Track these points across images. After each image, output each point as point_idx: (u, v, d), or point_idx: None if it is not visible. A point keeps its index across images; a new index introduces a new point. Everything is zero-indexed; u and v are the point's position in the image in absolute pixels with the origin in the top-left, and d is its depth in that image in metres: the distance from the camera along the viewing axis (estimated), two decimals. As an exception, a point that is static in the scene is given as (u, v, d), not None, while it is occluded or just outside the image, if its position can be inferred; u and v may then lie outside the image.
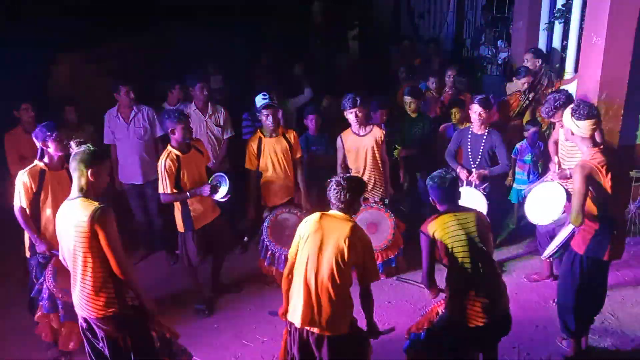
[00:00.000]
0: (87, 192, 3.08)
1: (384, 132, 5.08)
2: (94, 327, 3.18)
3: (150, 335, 3.34)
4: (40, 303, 4.03)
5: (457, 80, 6.48)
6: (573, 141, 3.66)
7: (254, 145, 4.92)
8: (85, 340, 3.30)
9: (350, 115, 4.91)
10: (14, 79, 6.01)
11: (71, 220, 3.02)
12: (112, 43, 7.50)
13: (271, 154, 4.90)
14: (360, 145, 4.98)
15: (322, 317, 3.13)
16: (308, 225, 3.22)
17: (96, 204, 3.02)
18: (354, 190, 3.17)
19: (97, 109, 5.68)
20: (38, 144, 4.03)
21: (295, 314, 3.19)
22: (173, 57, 7.66)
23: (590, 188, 3.48)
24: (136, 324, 3.24)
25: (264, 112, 4.81)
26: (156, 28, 8.04)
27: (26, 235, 4.15)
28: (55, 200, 4.01)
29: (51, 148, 4.01)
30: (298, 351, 3.26)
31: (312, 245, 3.14)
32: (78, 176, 3.07)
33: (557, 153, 4.64)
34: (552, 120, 4.48)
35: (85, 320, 3.20)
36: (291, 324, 3.27)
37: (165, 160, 4.35)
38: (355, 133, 5.01)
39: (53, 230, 3.97)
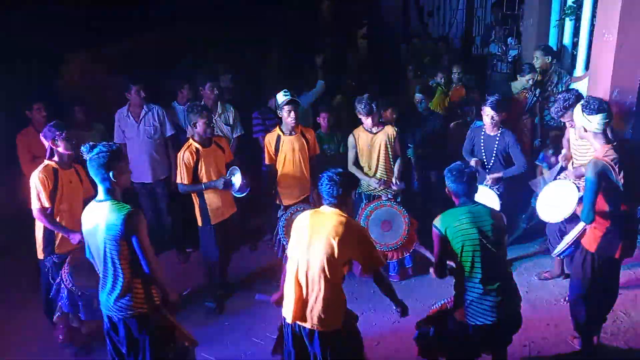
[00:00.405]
0: (115, 193, 3.10)
1: (396, 129, 5.07)
2: (118, 326, 3.21)
3: (168, 342, 3.35)
4: (60, 303, 4.04)
5: (466, 78, 6.50)
6: (586, 138, 3.63)
7: (272, 142, 4.94)
8: (107, 339, 3.32)
9: (367, 121, 4.93)
10: (23, 79, 6.05)
11: (102, 222, 3.02)
12: (121, 42, 7.53)
13: (288, 152, 4.91)
14: (372, 143, 4.99)
15: (313, 313, 3.13)
16: (300, 222, 3.22)
17: (127, 207, 3.05)
18: (347, 185, 3.13)
19: (107, 108, 5.72)
20: (47, 144, 4.04)
21: (288, 310, 3.21)
22: (182, 56, 7.68)
23: (603, 185, 3.45)
24: (157, 328, 3.26)
25: (286, 108, 4.80)
26: (165, 27, 8.06)
27: (38, 236, 4.13)
28: (69, 198, 4.06)
29: (60, 147, 4.02)
30: (292, 345, 3.28)
31: (303, 242, 3.13)
32: (101, 180, 3.08)
33: (569, 150, 4.62)
34: (562, 120, 4.45)
35: (110, 319, 3.22)
36: (284, 318, 3.29)
37: (185, 152, 4.43)
38: (367, 130, 5.01)
39: (69, 227, 4.03)
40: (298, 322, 3.19)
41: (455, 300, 3.35)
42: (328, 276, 3.08)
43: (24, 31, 6.24)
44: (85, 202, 4.10)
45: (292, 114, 4.80)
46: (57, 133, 3.98)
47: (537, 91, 5.78)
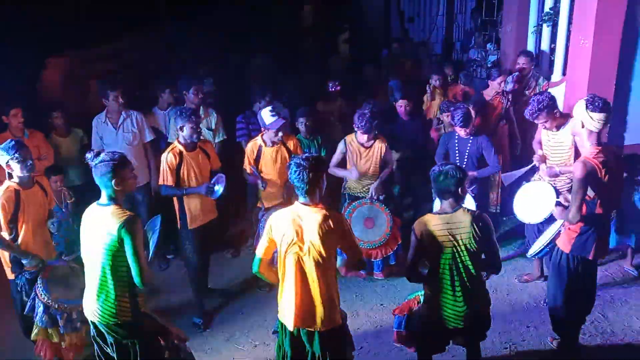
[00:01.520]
0: (117, 199, 3.12)
1: (385, 141, 5.09)
2: (104, 332, 3.21)
3: (159, 343, 3.36)
4: (35, 320, 3.92)
5: (463, 74, 6.63)
6: (579, 135, 3.63)
7: (253, 152, 4.90)
8: (95, 345, 3.33)
9: (362, 136, 4.95)
10: (3, 83, 5.96)
11: (101, 228, 3.05)
12: (102, 46, 7.47)
13: (269, 162, 4.88)
14: (364, 156, 5.03)
15: (313, 315, 3.13)
16: (280, 224, 3.12)
17: (127, 213, 3.07)
18: (315, 168, 3.06)
19: (88, 113, 5.64)
20: (4, 165, 3.82)
21: (287, 317, 3.18)
22: (164, 60, 7.64)
23: (588, 186, 3.50)
24: (146, 331, 3.27)
25: (277, 125, 4.75)
26: (147, 31, 8.02)
27: (5, 256, 3.99)
28: (33, 217, 3.93)
29: (15, 170, 3.81)
30: (290, 345, 3.26)
31: (292, 245, 3.07)
32: (104, 187, 3.11)
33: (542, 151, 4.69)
34: (537, 121, 4.49)
35: (95, 325, 3.22)
36: (282, 324, 3.26)
37: (168, 154, 4.42)
38: (360, 143, 5.02)
39: (34, 248, 3.94)
40: (299, 327, 3.18)
41: (425, 300, 3.41)
42: (323, 275, 3.08)
43: (3, 35, 6.16)
44: (50, 212, 4.13)
45: (280, 133, 4.79)
46: (9, 157, 3.75)
47: (510, 96, 5.82)
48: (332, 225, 3.03)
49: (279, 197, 4.98)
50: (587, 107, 3.49)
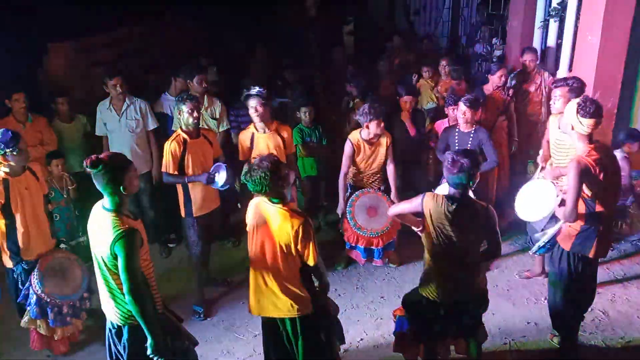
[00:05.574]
0: (122, 205, 2.94)
1: (390, 136, 5.06)
2: (122, 330, 3.13)
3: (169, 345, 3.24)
4: (27, 308, 3.94)
5: (452, 69, 6.48)
6: (569, 135, 3.65)
7: (246, 140, 4.86)
8: (108, 341, 3.22)
9: (368, 133, 4.87)
10: (5, 68, 5.93)
11: (102, 234, 2.90)
12: (105, 33, 7.43)
13: (263, 151, 4.81)
14: (368, 151, 4.98)
15: (280, 305, 3.28)
16: (250, 216, 3.29)
17: (124, 226, 2.86)
18: (269, 170, 3.06)
19: (91, 100, 5.63)
20: None
21: (258, 307, 3.38)
22: (167, 48, 7.62)
23: (583, 184, 3.49)
24: (162, 330, 3.14)
25: (249, 103, 4.65)
26: (150, 18, 7.97)
27: (3, 244, 3.98)
28: (29, 204, 3.91)
29: (12, 161, 3.78)
30: (268, 331, 3.46)
31: (257, 238, 3.23)
32: (110, 194, 2.90)
33: (549, 150, 4.65)
34: (553, 90, 4.44)
35: (112, 323, 3.15)
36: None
37: (172, 142, 4.41)
38: (365, 139, 4.95)
39: (32, 236, 3.95)
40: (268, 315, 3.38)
41: (420, 278, 3.48)
42: (283, 268, 3.20)
43: (5, 20, 6.12)
44: (45, 197, 4.14)
45: (253, 110, 4.63)
46: (8, 149, 3.71)
47: (510, 92, 5.76)
48: (292, 229, 3.09)
49: None
50: (577, 112, 3.48)
